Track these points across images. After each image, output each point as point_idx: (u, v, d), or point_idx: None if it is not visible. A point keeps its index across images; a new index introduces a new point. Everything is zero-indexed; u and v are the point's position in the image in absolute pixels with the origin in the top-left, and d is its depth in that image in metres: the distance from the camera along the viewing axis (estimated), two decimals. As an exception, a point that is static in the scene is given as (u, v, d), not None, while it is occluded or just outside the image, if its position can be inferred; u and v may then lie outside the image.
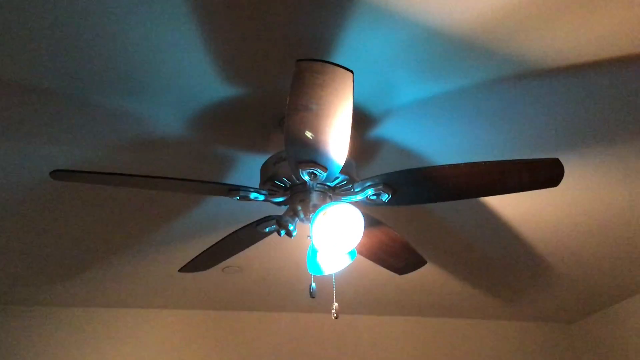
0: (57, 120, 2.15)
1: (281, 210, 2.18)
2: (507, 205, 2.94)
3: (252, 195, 2.06)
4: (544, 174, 1.93)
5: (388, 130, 2.30)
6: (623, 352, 4.25)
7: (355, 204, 2.03)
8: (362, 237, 1.93)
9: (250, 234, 2.27)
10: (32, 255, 3.22)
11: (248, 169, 2.46)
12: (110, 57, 1.86)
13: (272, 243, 2.99)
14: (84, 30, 1.75)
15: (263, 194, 2.08)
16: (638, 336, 4.16)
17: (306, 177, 1.88)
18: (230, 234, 2.30)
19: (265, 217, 2.18)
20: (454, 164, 1.92)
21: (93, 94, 2.03)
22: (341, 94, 1.55)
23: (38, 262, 3.30)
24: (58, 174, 1.87)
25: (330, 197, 2.07)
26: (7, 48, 1.81)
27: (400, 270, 2.60)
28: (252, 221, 2.22)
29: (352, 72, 1.48)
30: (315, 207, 2.00)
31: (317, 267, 2.15)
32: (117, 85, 1.99)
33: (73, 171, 1.92)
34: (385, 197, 2.02)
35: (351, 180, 2.04)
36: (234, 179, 2.53)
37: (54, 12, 1.69)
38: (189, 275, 2.77)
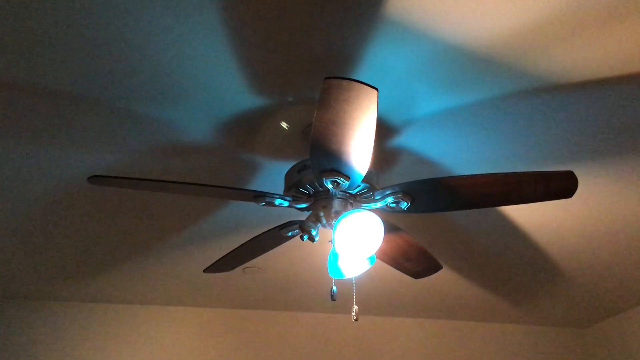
0: (92, 128, 2.24)
1: (303, 215, 2.23)
2: (521, 213, 2.98)
3: (277, 201, 2.12)
4: (558, 185, 1.97)
5: (408, 140, 2.37)
6: (635, 358, 4.27)
7: (376, 211, 2.09)
8: (381, 242, 1.98)
9: (273, 237, 2.33)
10: (64, 254, 3.32)
11: (272, 175, 2.54)
12: (144, 66, 1.95)
13: (291, 246, 3.05)
14: (120, 41, 1.84)
15: (287, 200, 2.13)
16: (651, 342, 4.19)
17: (329, 185, 1.93)
18: (254, 237, 2.37)
19: (288, 222, 2.25)
20: (471, 175, 1.98)
21: (126, 103, 2.11)
22: (366, 109, 1.61)
23: (69, 260, 3.39)
24: (95, 179, 1.95)
25: (351, 204, 2.13)
26: (43, 57, 1.89)
27: (417, 274, 2.64)
28: (275, 225, 2.28)
29: (376, 89, 1.54)
30: (337, 214, 2.06)
31: (338, 271, 2.20)
32: (150, 93, 2.07)
33: (109, 177, 2.01)
34: (404, 205, 2.07)
35: (372, 188, 2.09)
36: (258, 184, 2.60)
37: (89, 23, 1.77)
38: (211, 274, 2.84)
